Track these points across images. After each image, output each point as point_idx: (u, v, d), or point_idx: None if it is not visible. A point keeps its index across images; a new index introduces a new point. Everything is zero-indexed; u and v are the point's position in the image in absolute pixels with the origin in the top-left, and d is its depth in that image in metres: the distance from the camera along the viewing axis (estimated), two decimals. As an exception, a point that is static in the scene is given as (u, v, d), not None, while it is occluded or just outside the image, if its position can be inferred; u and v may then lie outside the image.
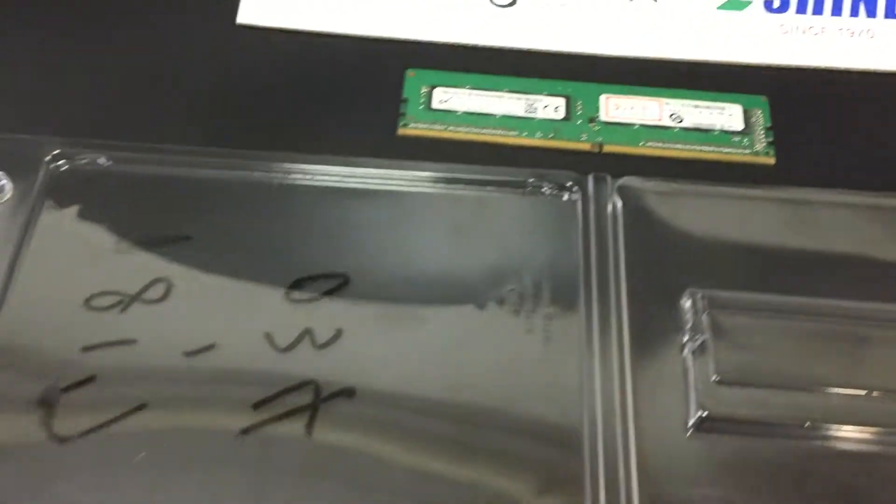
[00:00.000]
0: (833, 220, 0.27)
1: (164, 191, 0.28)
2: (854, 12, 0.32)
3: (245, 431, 0.23)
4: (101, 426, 0.23)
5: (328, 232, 0.27)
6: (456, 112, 0.29)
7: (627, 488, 0.22)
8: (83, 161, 0.28)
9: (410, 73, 0.30)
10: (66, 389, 0.24)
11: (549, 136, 0.29)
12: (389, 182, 0.28)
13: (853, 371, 0.24)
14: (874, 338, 0.24)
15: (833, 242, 0.27)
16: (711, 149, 0.29)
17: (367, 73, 0.31)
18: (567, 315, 0.25)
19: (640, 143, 0.29)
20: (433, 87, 0.30)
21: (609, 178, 0.27)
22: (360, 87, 0.30)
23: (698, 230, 0.27)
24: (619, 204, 0.27)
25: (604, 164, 0.28)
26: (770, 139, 0.29)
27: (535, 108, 0.30)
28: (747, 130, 0.29)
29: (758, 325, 0.24)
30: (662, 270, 0.26)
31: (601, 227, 0.27)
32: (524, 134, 0.29)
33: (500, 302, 0.25)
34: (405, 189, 0.28)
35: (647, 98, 0.30)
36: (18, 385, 0.24)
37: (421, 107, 0.30)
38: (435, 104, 0.30)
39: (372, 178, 0.28)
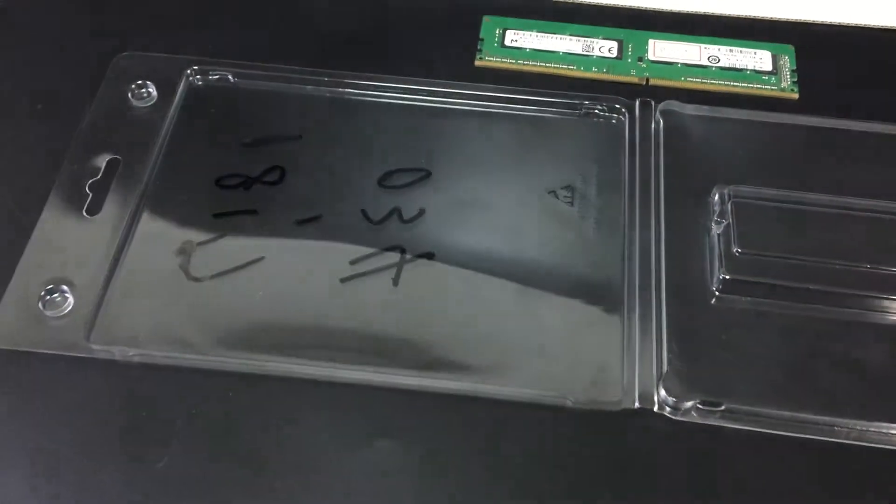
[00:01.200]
0: (844, 141, 0.31)
1: (280, 102, 0.33)
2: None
3: (343, 280, 0.29)
4: (227, 272, 0.29)
5: (415, 140, 0.32)
6: (524, 49, 0.35)
7: (658, 339, 0.27)
8: (215, 77, 0.34)
9: (486, 19, 0.36)
10: (201, 244, 0.29)
11: (604, 70, 0.34)
12: (466, 103, 0.33)
13: (852, 247, 0.28)
14: (872, 222, 0.28)
15: (843, 158, 0.31)
16: (743, 84, 0.34)
17: (453, 17, 0.36)
18: (613, 207, 0.30)
19: (682, 79, 0.34)
20: (505, 30, 0.35)
21: (653, 103, 0.32)
22: (445, 29, 0.36)
23: (727, 146, 0.32)
24: (662, 123, 0.32)
25: (651, 94, 0.33)
26: (795, 79, 0.34)
27: (592, 48, 0.35)
28: (775, 71, 0.34)
29: (773, 211, 0.29)
30: (696, 175, 0.31)
31: (645, 141, 0.32)
32: (581, 68, 0.34)
33: (556, 195, 0.31)
34: (479, 109, 0.33)
35: (688, 43, 0.35)
36: (164, 239, 0.30)
37: (495, 44, 0.35)
38: (507, 42, 0.35)
39: (452, 97, 0.33)
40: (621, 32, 0.35)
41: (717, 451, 0.26)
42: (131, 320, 0.28)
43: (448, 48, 0.35)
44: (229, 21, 0.36)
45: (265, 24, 0.36)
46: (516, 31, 0.35)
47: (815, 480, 0.25)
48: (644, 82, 0.34)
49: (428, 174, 0.31)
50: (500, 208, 0.30)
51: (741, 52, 0.35)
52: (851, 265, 0.28)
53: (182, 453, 0.26)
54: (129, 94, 0.33)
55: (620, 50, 0.35)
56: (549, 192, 0.31)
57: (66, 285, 0.28)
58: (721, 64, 0.34)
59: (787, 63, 0.34)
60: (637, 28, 0.35)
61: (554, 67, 0.34)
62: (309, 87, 0.34)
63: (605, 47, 0.35)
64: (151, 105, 0.33)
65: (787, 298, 0.27)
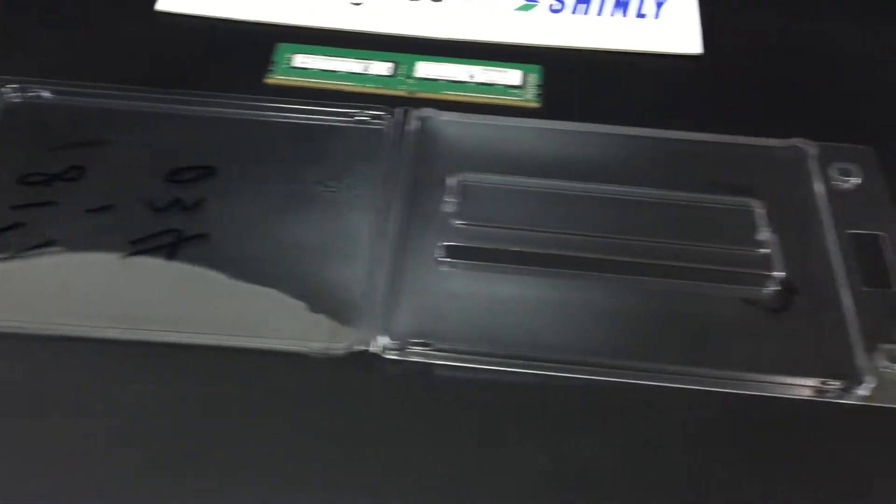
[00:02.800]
0: (571, 139, 0.37)
1: (91, 115, 0.38)
2: (612, 13, 0.43)
3: (125, 256, 0.33)
4: (22, 252, 0.33)
5: (207, 144, 0.37)
6: (310, 69, 0.40)
7: (389, 296, 0.32)
8: (31, 94, 0.38)
9: (280, 45, 0.41)
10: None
11: (379, 86, 0.40)
12: (254, 113, 0.38)
13: (559, 221, 0.34)
14: (580, 200, 0.34)
15: (569, 153, 0.37)
16: (494, 96, 0.40)
17: (250, 46, 0.42)
18: (369, 194, 0.35)
19: (442, 92, 0.40)
20: (295, 54, 0.41)
21: (411, 110, 0.38)
22: (242, 55, 0.41)
23: (472, 144, 0.37)
24: (417, 127, 0.37)
25: (416, 105, 0.39)
26: (538, 92, 0.40)
27: (369, 68, 0.40)
28: (522, 86, 0.40)
29: (494, 192, 0.34)
30: (443, 168, 0.36)
31: (402, 142, 0.37)
32: (359, 84, 0.40)
33: (324, 186, 0.36)
34: (265, 118, 0.38)
35: (451, 64, 0.41)
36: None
37: (285, 66, 0.40)
38: (296, 64, 0.40)
39: (242, 108, 0.38)
40: (396, 56, 0.41)
41: (431, 384, 0.31)
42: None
43: (244, 69, 0.41)
44: (44, 42, 0.41)
45: (79, 45, 0.41)
46: (305, 56, 0.41)
47: (511, 408, 0.30)
48: (411, 95, 0.40)
49: (213, 170, 0.36)
50: (274, 198, 0.35)
51: (496, 70, 0.41)
52: (557, 233, 0.33)
53: None
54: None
55: (394, 70, 0.41)
56: (317, 184, 0.36)
57: None
58: (477, 80, 0.40)
59: (533, 80, 0.40)
60: (410, 52, 0.42)
61: (335, 84, 0.40)
62: (117, 101, 0.38)
63: (380, 68, 0.41)
64: (-31, 120, 0.37)
65: (498, 260, 0.33)
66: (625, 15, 0.43)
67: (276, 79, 0.40)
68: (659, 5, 0.44)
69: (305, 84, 0.40)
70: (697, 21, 0.43)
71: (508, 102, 0.40)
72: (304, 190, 0.36)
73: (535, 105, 0.40)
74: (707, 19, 0.43)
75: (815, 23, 0.44)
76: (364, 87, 0.40)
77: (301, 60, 0.41)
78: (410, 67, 0.41)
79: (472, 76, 0.41)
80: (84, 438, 0.29)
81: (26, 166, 0.36)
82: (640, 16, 0.43)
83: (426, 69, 0.41)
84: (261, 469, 0.29)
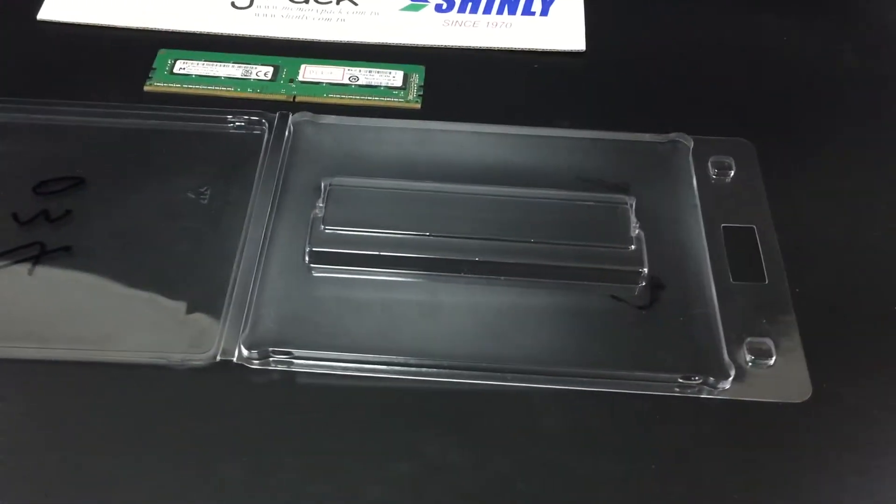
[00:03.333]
0: (450, 139, 0.37)
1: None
2: (500, 11, 0.43)
3: (-13, 273, 0.32)
4: None
5: (80, 154, 0.36)
6: (190, 75, 0.40)
7: (251, 304, 0.32)
8: None
9: (161, 52, 0.41)
10: None
11: (258, 90, 0.39)
12: (129, 122, 0.37)
13: (431, 223, 0.33)
14: (463, 201, 0.34)
15: (446, 154, 0.37)
16: (376, 98, 0.39)
17: (132, 53, 0.41)
18: (242, 200, 0.35)
19: (325, 95, 0.39)
20: (176, 60, 0.40)
21: (289, 115, 0.37)
22: (123, 62, 0.41)
23: (351, 147, 0.37)
24: (293, 131, 0.37)
25: (298, 109, 0.38)
26: (420, 93, 0.39)
27: (251, 73, 0.40)
28: (404, 87, 0.40)
29: (366, 195, 0.34)
30: (318, 171, 0.36)
31: (278, 147, 0.37)
32: (238, 89, 0.39)
33: (196, 194, 0.35)
34: (140, 127, 0.37)
35: (334, 66, 0.40)
36: None
37: (165, 72, 0.40)
38: (176, 70, 0.40)
39: (118, 116, 0.38)
40: (279, 60, 0.41)
41: (293, 391, 0.30)
42: None
43: (125, 76, 0.40)
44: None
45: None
46: (185, 61, 0.40)
47: (377, 417, 0.30)
48: (292, 99, 0.39)
49: (81, 181, 0.35)
50: (144, 208, 0.35)
51: (378, 72, 0.40)
52: (427, 235, 0.33)
53: None
54: None
55: (276, 74, 0.40)
56: (190, 193, 0.35)
57: None
58: (360, 82, 0.40)
59: (416, 80, 0.40)
60: (294, 56, 0.41)
61: (214, 89, 0.39)
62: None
63: (261, 72, 0.40)
64: None
65: (364, 265, 0.33)
66: (512, 13, 0.43)
67: (155, 86, 0.39)
68: (547, 3, 0.44)
69: (186, 91, 0.39)
70: (582, 18, 0.43)
71: (390, 104, 0.39)
72: (175, 199, 0.35)
73: (416, 106, 0.39)
74: (591, 16, 0.44)
75: (695, 19, 0.44)
76: (245, 92, 0.39)
77: (181, 66, 0.40)
78: (293, 71, 0.40)
79: (354, 78, 0.40)
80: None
81: None
82: (529, 13, 0.43)
83: (309, 72, 0.40)
84: (122, 481, 0.28)
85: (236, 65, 0.40)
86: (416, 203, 0.34)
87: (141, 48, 0.41)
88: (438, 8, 0.43)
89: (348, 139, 0.37)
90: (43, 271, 0.33)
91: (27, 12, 0.42)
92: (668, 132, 0.38)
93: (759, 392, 0.31)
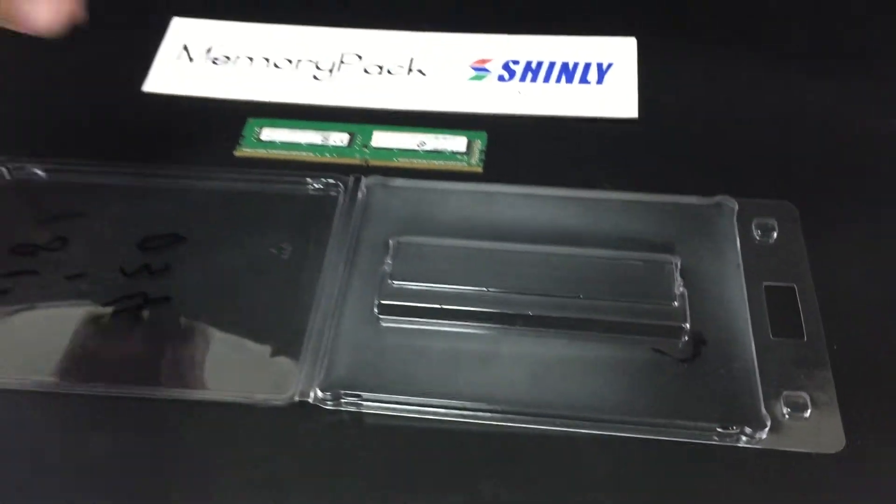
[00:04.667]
0: (509, 201, 0.41)
1: (74, 189, 0.42)
2: (558, 80, 0.46)
3: (97, 318, 0.37)
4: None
5: (178, 214, 0.41)
6: (275, 141, 0.44)
7: (326, 350, 0.35)
8: (24, 171, 0.43)
9: (250, 120, 0.45)
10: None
11: (335, 155, 0.43)
12: (222, 185, 0.42)
13: (490, 279, 0.37)
14: (511, 258, 0.37)
15: (505, 215, 0.40)
16: (441, 162, 0.43)
17: (224, 122, 0.46)
18: (318, 256, 0.39)
19: (395, 159, 0.43)
20: (262, 128, 0.45)
21: (362, 178, 0.41)
22: (216, 130, 0.45)
23: (418, 208, 0.40)
24: (366, 193, 0.41)
25: (370, 172, 0.42)
26: (483, 158, 0.43)
27: (328, 139, 0.44)
28: (468, 152, 0.43)
29: (431, 254, 0.38)
30: (386, 230, 0.39)
31: (351, 207, 0.40)
32: (318, 154, 0.43)
33: (278, 250, 0.39)
34: (228, 189, 0.42)
35: (404, 133, 0.44)
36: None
37: (253, 139, 0.44)
38: (262, 137, 0.44)
39: (213, 179, 0.42)
40: (354, 127, 0.45)
41: (362, 431, 0.34)
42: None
43: (218, 143, 0.45)
44: (36, 121, 0.46)
45: (70, 123, 0.46)
46: (271, 129, 0.45)
47: (436, 455, 0.33)
48: (365, 164, 0.43)
49: (180, 238, 0.40)
50: (233, 261, 0.39)
51: (444, 138, 0.44)
52: (487, 290, 0.36)
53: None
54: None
55: (351, 140, 0.44)
56: (272, 248, 0.39)
57: None
58: (427, 147, 0.44)
59: (479, 145, 0.44)
60: (368, 123, 0.45)
61: (296, 155, 0.44)
62: (100, 176, 0.42)
63: (338, 138, 0.44)
64: (-29, 193, 0.42)
65: (429, 317, 0.36)
66: (569, 82, 0.47)
67: (244, 151, 0.44)
68: (602, 73, 0.47)
69: (271, 155, 0.44)
70: (635, 87, 0.46)
71: (454, 168, 0.43)
72: (259, 254, 0.39)
73: (478, 169, 0.43)
74: (643, 85, 0.47)
75: (740, 86, 0.47)
76: (323, 157, 0.44)
77: (267, 133, 0.45)
78: (367, 137, 0.44)
79: (422, 144, 0.44)
80: (53, 482, 0.33)
81: (17, 237, 0.40)
82: (584, 82, 0.47)
83: (381, 138, 0.44)
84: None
85: (316, 132, 0.45)
86: (476, 260, 0.37)
87: (232, 117, 0.46)
88: (500, 78, 0.47)
89: (415, 200, 0.41)
90: (144, 319, 0.37)
91: (133, 84, 0.48)
92: (714, 194, 0.41)
93: (794, 443, 0.33)
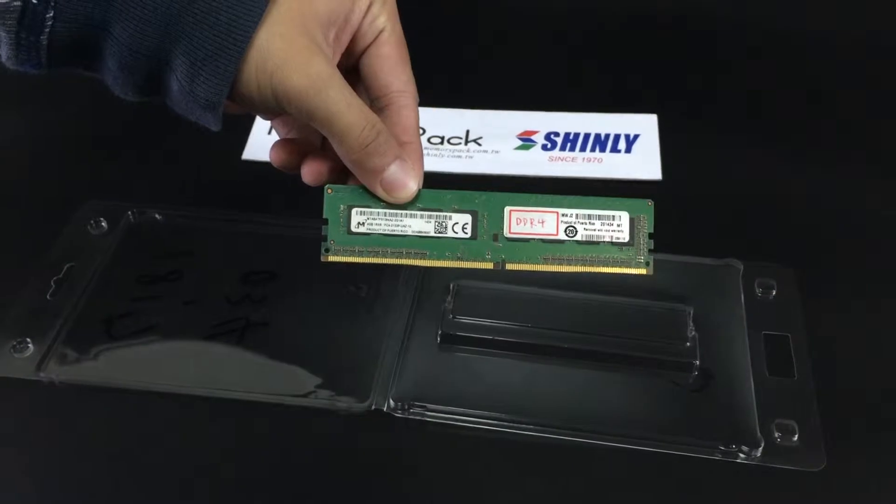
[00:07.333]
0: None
1: (190, 232, 0.50)
2: (593, 149, 0.55)
3: (207, 338, 0.45)
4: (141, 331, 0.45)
5: (271, 251, 0.49)
6: (372, 234, 0.36)
7: (403, 367, 0.43)
8: (146, 216, 0.51)
9: (329, 191, 0.37)
10: (121, 316, 0.46)
11: (457, 256, 0.36)
12: (306, 231, 0.48)
13: (534, 318, 0.44)
14: (552, 302, 0.45)
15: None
16: (599, 266, 0.36)
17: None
18: (391, 295, 0.46)
19: (539, 259, 0.36)
20: (351, 208, 0.36)
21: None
22: (305, 189, 0.53)
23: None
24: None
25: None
26: (650, 247, 0.37)
27: (446, 227, 0.36)
28: (631, 242, 0.36)
29: (483, 296, 0.45)
30: (447, 275, 0.47)
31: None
32: (434, 256, 0.36)
33: (356, 288, 0.47)
34: (314, 236, 0.49)
35: (545, 211, 0.37)
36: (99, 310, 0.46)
37: (341, 229, 0.36)
38: (353, 227, 0.36)
39: (298, 228, 0.50)
40: (474, 197, 0.36)
41: (425, 436, 0.41)
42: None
43: (306, 198, 0.52)
44: (158, 177, 0.55)
45: (183, 179, 0.55)
46: (361, 210, 0.36)
47: (486, 458, 0.40)
48: (500, 267, 0.35)
49: (274, 275, 0.48)
50: (318, 296, 0.47)
51: (599, 218, 0.37)
52: (531, 327, 0.44)
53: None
54: (88, 226, 0.50)
55: (475, 226, 0.36)
56: (351, 287, 0.47)
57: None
58: (578, 238, 0.36)
59: (644, 225, 0.36)
60: (427, 187, 0.38)
61: (405, 257, 0.36)
62: (209, 222, 0.51)
63: (458, 224, 0.36)
64: (101, 234, 0.50)
65: (482, 346, 0.44)
66: (602, 151, 0.55)
67: (332, 256, 0.42)
68: (630, 143, 0.55)
69: (369, 261, 0.37)
70: (658, 155, 0.55)
71: (614, 270, 0.39)
72: (340, 291, 0.47)
73: (641, 271, 0.41)
74: (665, 154, 0.55)
75: (750, 160, 0.55)
76: (443, 260, 0.36)
77: (358, 220, 0.37)
78: (496, 216, 0.36)
79: (571, 230, 0.37)
80: (169, 468, 0.41)
81: (142, 269, 0.49)
82: (615, 151, 0.55)
83: (515, 221, 0.38)
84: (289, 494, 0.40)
85: (426, 212, 0.36)
86: (521, 302, 0.45)
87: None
88: (544, 147, 0.56)
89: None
90: (247, 339, 0.45)
91: (235, 153, 0.57)
92: (723, 256, 0.48)
93: (783, 461, 0.40)
